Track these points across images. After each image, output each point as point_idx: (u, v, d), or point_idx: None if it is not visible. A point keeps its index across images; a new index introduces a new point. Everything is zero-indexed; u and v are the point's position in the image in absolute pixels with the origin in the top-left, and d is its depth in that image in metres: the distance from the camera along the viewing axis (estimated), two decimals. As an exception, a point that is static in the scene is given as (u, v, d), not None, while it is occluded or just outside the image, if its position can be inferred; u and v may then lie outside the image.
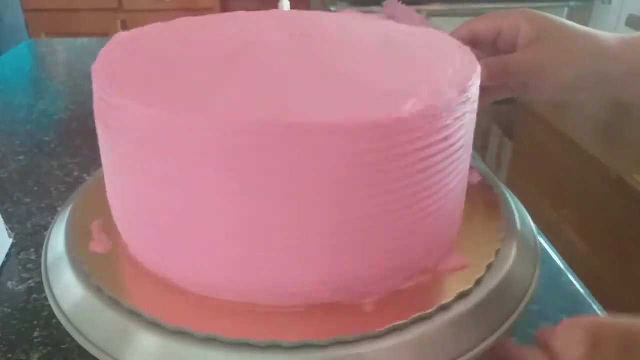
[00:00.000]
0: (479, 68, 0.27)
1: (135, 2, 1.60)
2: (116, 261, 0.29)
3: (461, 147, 0.26)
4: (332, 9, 1.31)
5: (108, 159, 0.27)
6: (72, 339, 0.25)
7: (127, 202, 0.27)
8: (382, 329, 0.23)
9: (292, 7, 0.79)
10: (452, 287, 0.26)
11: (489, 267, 0.27)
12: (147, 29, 0.32)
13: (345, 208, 0.23)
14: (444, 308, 0.25)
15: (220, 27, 0.33)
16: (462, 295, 0.25)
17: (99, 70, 0.26)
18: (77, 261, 0.28)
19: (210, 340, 0.23)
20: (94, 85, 0.26)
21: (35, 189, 0.51)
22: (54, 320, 0.34)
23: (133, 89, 0.24)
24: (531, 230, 0.32)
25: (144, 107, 0.23)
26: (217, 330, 0.23)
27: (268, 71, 0.26)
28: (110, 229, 0.30)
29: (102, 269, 0.27)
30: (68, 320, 0.25)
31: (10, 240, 0.42)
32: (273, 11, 0.37)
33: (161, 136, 0.23)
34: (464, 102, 0.25)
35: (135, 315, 0.24)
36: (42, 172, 0.54)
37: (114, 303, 0.25)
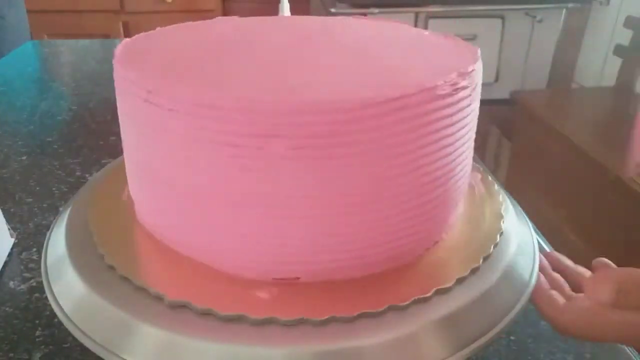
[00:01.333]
0: (479, 59, 0.28)
1: (136, 4, 1.61)
2: (132, 241, 0.29)
3: (465, 134, 0.27)
4: (332, 10, 1.32)
5: (129, 137, 0.28)
6: (74, 338, 0.25)
7: (150, 180, 0.28)
8: (380, 309, 0.24)
9: (292, 8, 0.79)
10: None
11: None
12: (155, 32, 0.33)
13: (350, 187, 0.24)
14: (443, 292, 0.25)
15: (228, 28, 0.34)
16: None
17: (123, 57, 0.27)
18: (83, 257, 0.28)
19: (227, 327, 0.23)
20: (119, 71, 0.27)
21: (37, 188, 0.51)
22: (56, 320, 0.34)
23: (161, 72, 0.26)
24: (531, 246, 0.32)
25: (174, 85, 0.24)
26: (240, 310, 0.24)
27: (279, 61, 0.28)
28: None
29: (117, 250, 0.28)
30: (68, 318, 0.26)
31: (12, 240, 0.43)
32: (276, 17, 0.38)
33: (188, 112, 0.24)
34: (465, 87, 0.26)
35: (147, 292, 0.25)
36: (44, 172, 0.54)
37: (126, 281, 0.26)
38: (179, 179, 0.26)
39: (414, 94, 0.23)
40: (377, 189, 0.24)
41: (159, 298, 0.25)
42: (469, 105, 0.27)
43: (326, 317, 0.23)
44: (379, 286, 0.26)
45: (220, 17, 0.36)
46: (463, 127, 0.27)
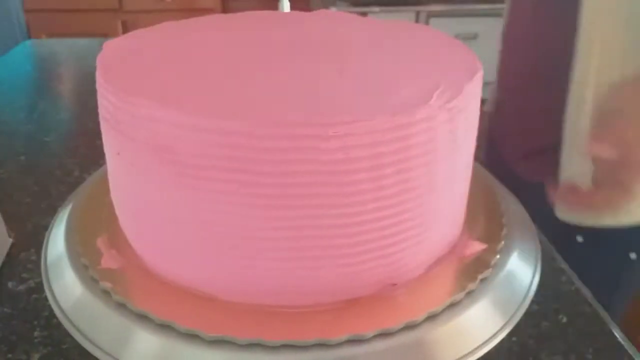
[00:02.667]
0: (479, 70, 0.27)
1: (135, 3, 1.61)
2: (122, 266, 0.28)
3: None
4: (333, 9, 1.32)
5: (115, 163, 0.27)
6: (73, 339, 0.25)
7: (134, 205, 0.27)
8: (417, 319, 0.23)
9: (292, 7, 0.79)
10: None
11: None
12: (141, 32, 0.32)
13: (356, 209, 0.23)
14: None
15: (225, 27, 0.33)
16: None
17: (105, 71, 0.26)
18: (81, 264, 0.28)
19: (217, 342, 0.23)
20: (102, 87, 0.26)
21: (36, 189, 0.51)
22: (54, 320, 0.34)
23: (146, 91, 0.24)
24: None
25: (160, 110, 0.23)
26: (225, 332, 0.23)
27: (275, 72, 0.26)
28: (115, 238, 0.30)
29: (107, 272, 0.27)
30: (68, 319, 0.25)
31: (10, 241, 0.42)
32: (275, 12, 0.37)
33: (174, 138, 0.23)
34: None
35: (142, 317, 0.24)
36: (42, 172, 0.54)
37: (120, 306, 0.25)
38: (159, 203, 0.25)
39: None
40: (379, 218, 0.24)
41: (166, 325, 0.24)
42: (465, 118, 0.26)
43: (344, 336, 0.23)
44: (393, 303, 0.25)
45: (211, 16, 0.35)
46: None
